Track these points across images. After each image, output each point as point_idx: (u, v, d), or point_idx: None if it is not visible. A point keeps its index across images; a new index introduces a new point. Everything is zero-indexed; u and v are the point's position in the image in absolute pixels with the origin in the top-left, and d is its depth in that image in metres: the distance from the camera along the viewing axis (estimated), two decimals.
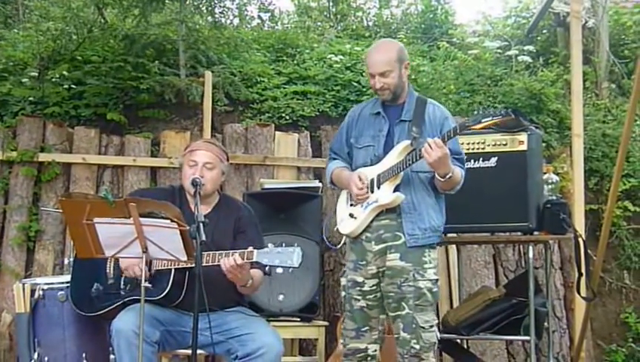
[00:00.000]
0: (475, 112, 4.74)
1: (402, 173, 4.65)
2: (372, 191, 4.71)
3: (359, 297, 4.82)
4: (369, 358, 4.86)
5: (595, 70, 9.24)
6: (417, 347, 4.65)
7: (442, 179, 4.55)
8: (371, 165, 4.78)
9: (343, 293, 5.04)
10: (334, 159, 5.06)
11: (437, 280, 4.78)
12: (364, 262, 4.79)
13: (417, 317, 4.66)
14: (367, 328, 4.84)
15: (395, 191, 4.67)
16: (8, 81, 7.81)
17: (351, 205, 4.85)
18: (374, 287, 4.79)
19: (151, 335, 4.42)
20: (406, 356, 4.68)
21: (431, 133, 4.68)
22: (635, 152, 8.10)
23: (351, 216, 4.82)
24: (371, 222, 4.75)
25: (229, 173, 6.49)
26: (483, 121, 4.47)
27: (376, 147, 4.81)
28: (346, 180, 4.85)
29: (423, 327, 4.67)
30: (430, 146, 4.40)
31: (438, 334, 4.89)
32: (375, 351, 4.87)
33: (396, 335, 4.74)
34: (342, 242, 4.96)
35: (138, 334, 4.18)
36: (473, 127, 4.52)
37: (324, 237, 5.12)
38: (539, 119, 8.00)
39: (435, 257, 4.80)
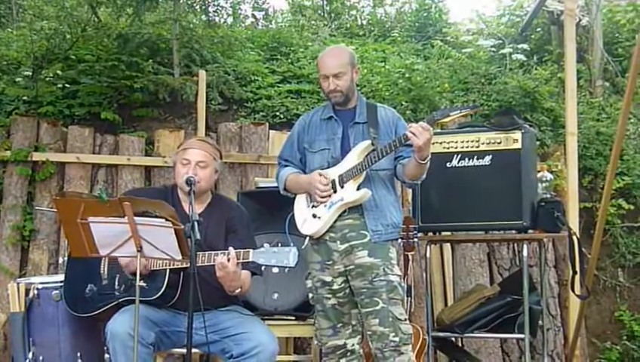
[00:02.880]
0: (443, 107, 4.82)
1: (365, 172, 4.76)
2: (335, 191, 4.79)
3: (329, 296, 4.92)
4: (349, 353, 4.96)
5: (589, 68, 9.26)
6: (397, 339, 4.72)
7: (423, 162, 4.63)
8: (329, 167, 4.88)
9: (310, 295, 5.07)
10: (286, 166, 5.13)
11: (401, 276, 4.92)
12: (330, 262, 4.87)
13: (392, 310, 4.74)
14: (341, 324, 4.94)
15: (358, 189, 4.76)
16: (2, 80, 7.81)
17: (312, 206, 4.90)
18: (343, 285, 4.89)
19: (146, 337, 4.43)
20: (385, 349, 4.73)
21: (386, 134, 4.87)
22: (628, 150, 8.11)
23: (314, 216, 4.87)
24: (335, 221, 4.82)
25: (223, 171, 6.49)
26: (451, 114, 4.64)
27: (333, 150, 4.92)
28: (305, 182, 4.92)
29: (400, 319, 4.76)
30: (418, 129, 4.49)
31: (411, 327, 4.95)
32: (353, 345, 4.97)
33: (369, 332, 4.80)
34: (305, 243, 4.97)
35: (133, 336, 4.19)
36: (442, 121, 4.68)
37: (287, 234, 5.13)
38: (533, 117, 8.01)
39: (396, 255, 4.93)
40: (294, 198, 5.06)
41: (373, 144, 4.75)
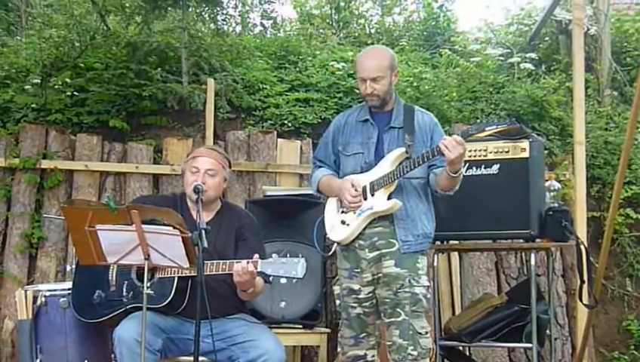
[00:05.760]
0: (479, 120, 4.77)
1: (397, 180, 4.68)
2: (365, 199, 4.73)
3: (355, 305, 4.86)
4: None
5: (597, 77, 9.25)
6: (415, 353, 4.68)
7: (455, 175, 4.57)
8: (362, 172, 4.81)
9: (337, 301, 5.04)
10: (320, 167, 5.08)
11: (429, 286, 4.85)
12: (359, 270, 4.83)
13: (414, 323, 4.70)
14: (364, 334, 4.90)
15: (389, 198, 4.69)
16: (11, 88, 7.83)
17: (342, 212, 4.85)
18: (370, 294, 4.84)
19: (153, 343, 4.42)
20: None
21: (421, 140, 4.78)
22: (636, 160, 8.10)
23: (343, 223, 4.82)
24: (364, 229, 4.76)
25: (231, 180, 6.50)
26: (487, 129, 4.52)
27: (366, 154, 4.84)
28: (337, 188, 4.86)
29: (420, 333, 4.71)
30: (452, 143, 4.42)
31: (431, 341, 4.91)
32: (373, 356, 4.94)
33: (389, 342, 4.76)
34: (332, 250, 4.95)
35: (140, 342, 4.19)
36: (477, 135, 4.55)
37: (316, 245, 5.11)
38: (541, 126, 8.01)
39: (426, 264, 4.85)
40: (305, 205, 5.03)
41: (407, 152, 4.68)
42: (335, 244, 4.92)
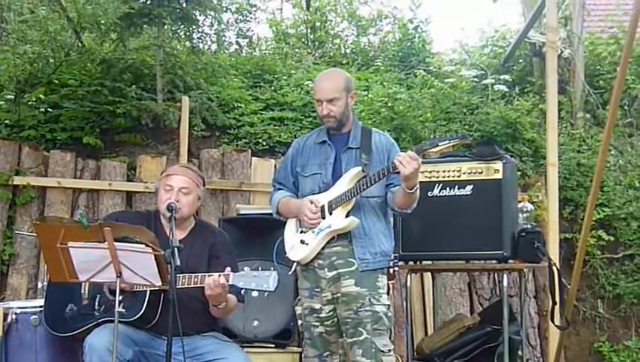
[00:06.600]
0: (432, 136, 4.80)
1: (354, 198, 4.71)
2: (323, 218, 4.75)
3: (317, 324, 4.86)
4: None
5: (570, 100, 9.32)
6: None
7: (410, 191, 4.58)
8: (320, 192, 4.83)
9: (300, 322, 5.05)
10: (279, 189, 5.10)
11: (390, 305, 4.85)
12: (319, 289, 4.83)
13: (376, 341, 4.69)
14: (327, 353, 4.90)
15: (347, 216, 4.72)
16: None
17: (301, 232, 4.86)
18: (331, 313, 4.84)
19: (124, 353, 4.39)
20: None
21: (378, 160, 4.81)
22: (609, 182, 8.16)
23: (302, 242, 4.83)
24: (323, 248, 4.78)
25: (205, 198, 6.48)
26: (440, 144, 4.55)
27: (324, 174, 4.87)
28: (295, 207, 4.88)
29: (383, 351, 4.71)
30: (406, 158, 4.44)
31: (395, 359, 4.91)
32: None
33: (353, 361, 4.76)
34: (292, 269, 4.96)
35: (112, 351, 4.16)
36: (430, 150, 4.59)
37: (275, 261, 5.13)
38: (514, 148, 8.06)
39: (386, 283, 4.87)
40: (279, 224, 5.04)
41: (363, 171, 4.71)
42: (294, 264, 4.93)
